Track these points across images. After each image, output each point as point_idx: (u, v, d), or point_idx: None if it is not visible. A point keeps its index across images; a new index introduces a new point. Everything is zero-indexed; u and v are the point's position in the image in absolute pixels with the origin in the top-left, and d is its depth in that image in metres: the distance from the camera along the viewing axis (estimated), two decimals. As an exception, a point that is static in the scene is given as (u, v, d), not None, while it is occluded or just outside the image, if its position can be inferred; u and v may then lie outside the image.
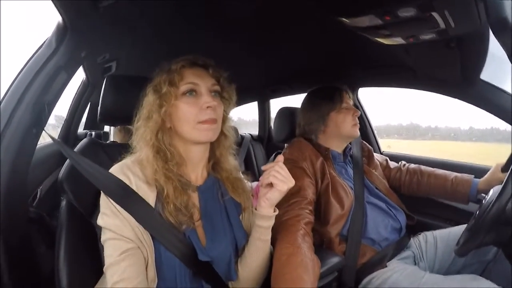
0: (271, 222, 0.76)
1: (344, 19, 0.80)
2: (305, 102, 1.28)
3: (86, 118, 2.50)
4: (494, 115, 1.12)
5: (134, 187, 0.68)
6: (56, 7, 0.78)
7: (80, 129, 2.36)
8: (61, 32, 0.86)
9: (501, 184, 0.79)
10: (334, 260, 0.96)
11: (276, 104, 2.61)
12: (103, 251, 0.79)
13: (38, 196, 1.43)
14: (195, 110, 0.71)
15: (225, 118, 0.80)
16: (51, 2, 0.77)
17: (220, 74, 0.77)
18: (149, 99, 0.74)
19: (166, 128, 0.74)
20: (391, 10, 0.69)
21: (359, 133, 1.21)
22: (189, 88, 0.72)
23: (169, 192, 0.68)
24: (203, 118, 0.71)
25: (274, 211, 0.76)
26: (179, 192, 0.70)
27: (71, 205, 0.83)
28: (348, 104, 1.20)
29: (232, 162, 0.84)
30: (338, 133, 1.20)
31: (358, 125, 1.20)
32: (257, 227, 0.76)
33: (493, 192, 0.87)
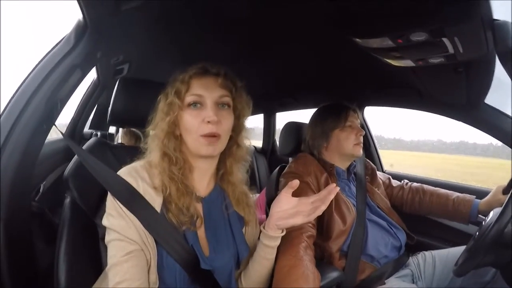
0: (278, 242, 0.78)
1: (357, 39, 0.82)
2: (313, 118, 1.30)
3: (92, 118, 2.52)
4: (497, 138, 1.14)
5: (141, 191, 0.68)
6: (80, 6, 0.80)
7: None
8: (81, 31, 0.87)
9: (501, 206, 0.80)
10: (334, 274, 0.95)
11: (281, 118, 2.63)
12: (103, 250, 0.80)
13: (41, 191, 1.43)
14: (197, 122, 0.70)
15: (239, 128, 0.79)
16: (75, 1, 0.78)
17: (233, 84, 0.75)
18: (160, 106, 0.75)
19: (175, 135, 0.74)
20: (404, 34, 0.71)
21: (361, 152, 1.22)
22: (193, 100, 0.72)
23: (172, 192, 0.69)
24: (204, 132, 0.70)
25: (282, 232, 0.77)
26: (182, 193, 0.70)
27: (75, 202, 0.83)
28: (353, 123, 1.21)
29: (239, 176, 0.82)
30: (340, 151, 1.21)
31: (361, 144, 1.21)
32: (263, 246, 0.77)
33: (493, 214, 0.87)
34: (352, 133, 1.19)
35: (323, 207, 0.71)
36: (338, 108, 1.24)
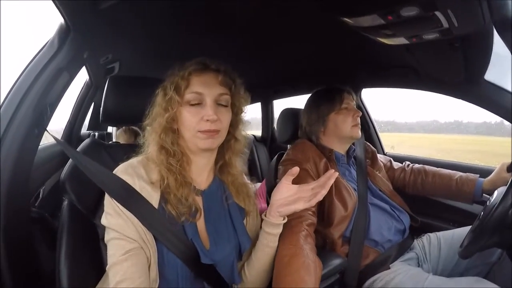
0: (280, 229, 0.78)
1: (346, 19, 0.79)
2: (307, 104, 1.28)
3: (90, 119, 2.53)
4: (497, 114, 1.11)
5: (137, 188, 0.68)
6: (57, 7, 0.79)
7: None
8: (63, 33, 0.87)
9: (506, 184, 0.79)
10: (336, 261, 0.95)
11: (279, 105, 2.61)
12: (104, 251, 0.79)
13: (40, 196, 1.44)
14: (196, 119, 0.70)
15: (237, 123, 0.80)
16: (51, 2, 0.77)
17: (232, 81, 0.75)
18: (157, 101, 0.74)
19: (172, 129, 0.73)
20: (394, 10, 0.68)
21: (360, 134, 1.20)
22: (193, 98, 0.71)
23: (171, 183, 0.69)
24: (203, 128, 0.70)
25: (284, 219, 0.78)
26: (180, 184, 0.70)
27: (73, 205, 0.83)
28: (349, 105, 1.19)
29: (239, 168, 0.83)
30: (338, 134, 1.19)
31: (359, 126, 1.19)
32: (265, 234, 0.77)
33: (497, 194, 0.86)
34: (349, 115, 1.17)
35: (324, 192, 0.72)
36: (332, 91, 1.22)
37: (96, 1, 0.77)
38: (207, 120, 0.69)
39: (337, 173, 0.76)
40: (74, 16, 0.82)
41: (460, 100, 1.23)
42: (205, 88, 0.71)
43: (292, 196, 0.76)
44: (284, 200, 0.76)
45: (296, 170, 0.76)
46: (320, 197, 0.72)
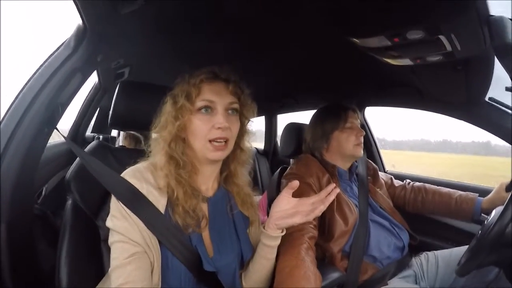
0: (277, 242, 0.77)
1: (354, 39, 0.82)
2: (312, 119, 1.30)
3: (94, 122, 2.54)
4: (498, 136, 1.13)
5: (144, 192, 0.69)
6: (78, 10, 0.80)
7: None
8: (81, 35, 0.88)
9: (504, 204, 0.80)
10: (335, 275, 0.95)
11: (283, 120, 2.63)
12: (105, 252, 0.80)
13: (43, 193, 1.45)
14: (207, 128, 0.71)
15: (243, 133, 0.81)
16: (73, 4, 0.79)
17: (241, 91, 0.76)
18: (166, 109, 0.74)
19: (181, 139, 0.74)
20: (400, 33, 0.71)
21: (362, 153, 1.22)
22: (205, 105, 0.72)
23: (179, 196, 0.69)
24: (214, 136, 0.71)
25: (282, 231, 0.77)
26: (189, 196, 0.70)
27: (76, 205, 0.84)
28: (353, 124, 1.21)
29: (244, 178, 0.84)
30: (341, 152, 1.21)
31: (362, 145, 1.21)
32: (263, 246, 0.77)
33: (495, 213, 0.87)
34: (352, 134, 1.19)
35: (323, 208, 0.72)
36: (337, 109, 1.24)
37: (117, 5, 0.78)
38: (218, 128, 0.70)
39: (338, 189, 0.76)
40: (93, 19, 0.84)
41: (461, 121, 1.24)
42: (216, 97, 0.72)
43: (291, 209, 0.75)
44: (283, 212, 0.75)
45: (296, 183, 0.76)
46: (318, 212, 0.72)
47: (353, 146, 1.18)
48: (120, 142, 2.21)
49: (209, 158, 0.72)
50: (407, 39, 0.73)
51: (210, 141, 0.71)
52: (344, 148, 1.19)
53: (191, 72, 0.75)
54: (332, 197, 0.73)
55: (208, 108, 0.72)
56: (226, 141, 0.72)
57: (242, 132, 0.80)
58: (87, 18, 0.83)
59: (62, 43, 0.92)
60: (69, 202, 0.84)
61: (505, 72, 0.77)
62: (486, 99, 1.08)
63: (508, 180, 1.06)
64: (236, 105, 0.75)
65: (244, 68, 1.39)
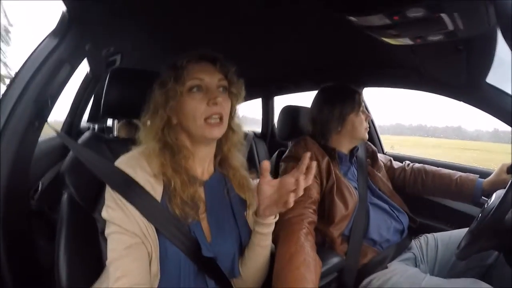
0: (271, 229, 0.76)
1: (352, 18, 0.78)
2: (318, 101, 1.24)
3: (90, 111, 2.50)
4: (498, 118, 1.11)
5: (140, 180, 0.67)
6: None
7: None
8: (65, 24, 0.86)
9: (505, 187, 0.79)
10: (334, 260, 0.95)
11: (280, 102, 2.60)
12: (103, 244, 0.79)
13: (39, 189, 1.44)
14: (202, 105, 0.70)
15: (233, 113, 0.80)
16: None
17: (228, 69, 0.76)
18: (155, 95, 0.73)
19: (172, 124, 0.73)
20: (400, 10, 0.68)
21: (367, 136, 1.21)
22: (195, 84, 0.71)
23: (176, 186, 0.68)
24: (210, 112, 0.70)
25: (275, 217, 0.75)
26: (186, 185, 0.69)
27: (72, 198, 0.82)
28: (363, 108, 1.20)
29: (239, 159, 0.83)
30: (352, 135, 1.19)
31: (368, 129, 1.20)
32: (256, 233, 0.75)
33: (495, 197, 0.86)
34: (364, 118, 1.18)
35: (310, 176, 0.66)
36: (351, 91, 1.20)
37: None
38: (214, 103, 0.69)
39: (308, 153, 0.68)
40: (75, 5, 0.81)
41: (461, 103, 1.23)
42: (205, 74, 0.72)
43: (275, 193, 0.69)
44: (269, 199, 0.70)
45: (266, 164, 0.69)
46: (308, 181, 0.66)
47: (364, 130, 1.18)
48: (115, 131, 2.18)
49: (207, 137, 0.71)
50: (407, 17, 0.70)
51: (205, 119, 0.70)
52: (357, 131, 1.17)
53: (176, 58, 0.74)
54: (313, 169, 0.67)
55: (200, 87, 0.72)
56: (221, 118, 0.72)
57: (233, 112, 0.80)
58: (69, 6, 0.79)
59: (48, 34, 0.89)
60: (65, 196, 0.83)
61: (507, 54, 0.74)
62: (487, 80, 1.06)
63: (509, 162, 1.06)
64: (225, 82, 0.75)
65: (240, 50, 1.37)
